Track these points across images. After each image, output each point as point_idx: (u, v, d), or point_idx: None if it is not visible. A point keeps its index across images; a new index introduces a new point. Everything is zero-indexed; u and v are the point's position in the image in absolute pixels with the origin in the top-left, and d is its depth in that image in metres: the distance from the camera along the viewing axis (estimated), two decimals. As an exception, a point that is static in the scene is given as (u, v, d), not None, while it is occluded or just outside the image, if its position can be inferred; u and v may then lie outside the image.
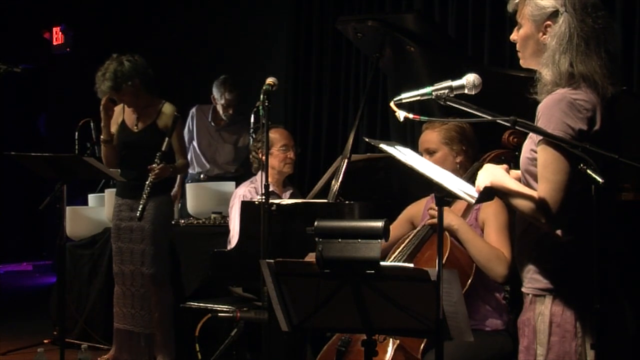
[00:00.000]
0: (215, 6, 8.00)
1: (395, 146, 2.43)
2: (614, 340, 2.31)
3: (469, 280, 3.15)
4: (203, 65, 7.80)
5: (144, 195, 4.63)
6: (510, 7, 2.50)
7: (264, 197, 3.63)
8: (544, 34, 2.38)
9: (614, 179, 2.43)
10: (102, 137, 4.96)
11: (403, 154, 2.40)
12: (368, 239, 2.27)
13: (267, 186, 3.64)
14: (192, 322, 4.44)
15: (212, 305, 4.49)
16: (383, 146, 2.42)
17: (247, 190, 4.54)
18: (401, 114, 2.34)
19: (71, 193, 5.01)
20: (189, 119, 6.40)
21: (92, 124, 6.19)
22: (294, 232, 3.74)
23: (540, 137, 2.28)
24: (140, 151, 4.82)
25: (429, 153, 3.40)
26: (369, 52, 4.43)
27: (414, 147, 3.29)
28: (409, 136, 5.71)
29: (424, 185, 2.66)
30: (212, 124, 6.32)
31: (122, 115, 4.97)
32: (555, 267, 2.36)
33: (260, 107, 3.71)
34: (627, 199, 3.58)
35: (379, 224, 2.29)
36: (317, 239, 2.31)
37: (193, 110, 6.40)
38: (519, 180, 2.41)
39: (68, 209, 5.64)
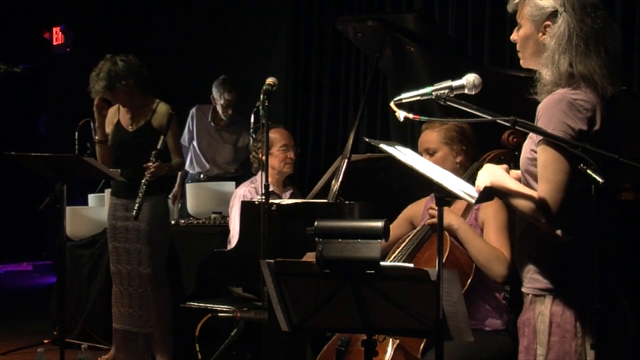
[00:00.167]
0: (215, 6, 8.00)
1: (395, 146, 2.43)
2: (614, 340, 2.31)
3: (469, 280, 3.15)
4: (203, 65, 7.80)
5: (140, 194, 4.64)
6: (510, 8, 2.50)
7: (264, 197, 3.63)
8: (544, 34, 2.38)
9: (614, 179, 2.43)
10: (96, 137, 4.97)
11: (403, 154, 2.40)
12: (368, 239, 2.27)
13: (267, 186, 3.64)
14: (192, 322, 4.44)
15: (212, 305, 4.49)
16: (383, 146, 2.42)
17: (247, 190, 4.54)
18: (401, 114, 2.34)
19: (71, 193, 5.01)
20: (189, 119, 6.40)
21: (92, 124, 6.17)
22: (294, 232, 3.74)
23: (540, 137, 2.28)
24: (135, 151, 4.82)
25: (429, 153, 3.40)
26: (369, 52, 4.43)
27: (414, 147, 3.29)
28: (409, 136, 5.71)
29: (424, 185, 2.66)
30: (212, 124, 6.33)
31: (117, 115, 4.98)
32: (555, 267, 2.36)
33: (260, 107, 3.71)
34: (627, 199, 3.58)
35: (379, 224, 2.29)
36: (317, 239, 2.31)
37: (193, 110, 6.40)
38: (519, 180, 2.41)
39: (68, 209, 5.64)
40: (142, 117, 4.92)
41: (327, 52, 6.66)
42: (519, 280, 2.50)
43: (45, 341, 5.84)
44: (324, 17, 6.66)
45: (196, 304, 4.62)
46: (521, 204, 2.29)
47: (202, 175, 6.34)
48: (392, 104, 2.36)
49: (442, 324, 2.28)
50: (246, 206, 4.01)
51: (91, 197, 6.57)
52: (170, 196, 6.34)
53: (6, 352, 5.61)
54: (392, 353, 3.09)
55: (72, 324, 5.81)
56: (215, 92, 6.14)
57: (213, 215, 5.40)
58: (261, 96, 3.68)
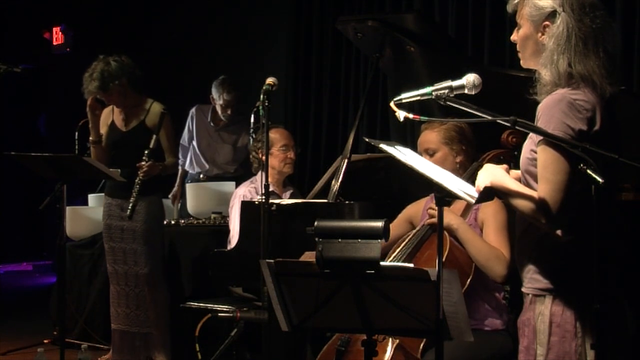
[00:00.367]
0: (215, 6, 8.00)
1: (395, 146, 2.43)
2: (614, 340, 2.31)
3: (468, 280, 3.15)
4: (203, 65, 7.80)
5: (134, 194, 4.65)
6: (509, 8, 2.50)
7: (264, 197, 3.63)
8: (543, 34, 2.39)
9: (614, 179, 2.43)
10: (90, 138, 4.97)
11: (403, 154, 2.40)
12: (368, 239, 2.27)
13: (267, 186, 3.65)
14: (192, 322, 4.44)
15: (212, 305, 4.49)
16: (383, 146, 2.42)
17: (247, 190, 4.54)
18: (401, 114, 2.34)
19: (71, 193, 5.01)
20: (188, 119, 6.40)
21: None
22: (294, 232, 3.74)
23: (540, 138, 2.28)
24: (129, 150, 4.83)
25: (429, 153, 3.40)
26: (369, 52, 4.43)
27: (414, 147, 3.29)
28: (409, 136, 5.71)
29: (424, 185, 2.66)
30: (212, 124, 6.32)
31: (112, 116, 4.99)
32: (555, 267, 2.36)
33: (260, 107, 3.71)
34: (627, 199, 3.57)
35: (379, 224, 2.29)
36: (317, 239, 2.31)
37: (193, 110, 6.40)
38: (519, 180, 2.41)
39: (68, 209, 5.64)
40: (136, 117, 4.93)
41: (327, 52, 6.66)
42: (519, 280, 2.50)
43: (45, 341, 5.84)
44: (324, 17, 6.66)
45: (196, 304, 4.62)
46: (521, 204, 2.29)
47: (201, 175, 6.34)
48: (392, 104, 2.36)
49: (442, 324, 2.28)
50: (246, 206, 4.01)
51: (91, 197, 6.57)
52: (170, 196, 6.35)
53: (6, 352, 5.62)
54: (391, 353, 3.09)
55: (72, 324, 5.81)
56: (214, 93, 6.14)
57: (213, 215, 5.40)
58: (261, 96, 3.68)
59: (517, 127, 2.23)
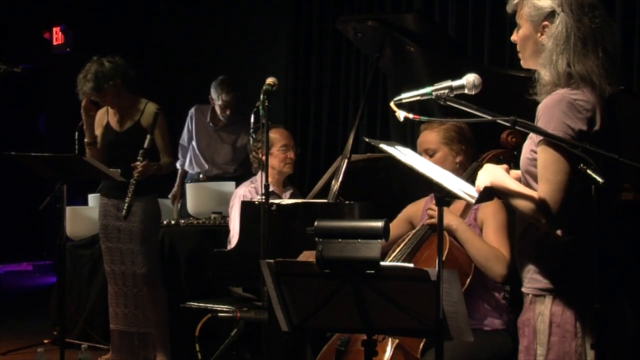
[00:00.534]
0: (215, 6, 8.00)
1: (395, 146, 2.43)
2: (614, 340, 2.30)
3: (468, 280, 3.15)
4: (203, 65, 7.80)
5: (129, 194, 4.65)
6: (509, 8, 2.50)
7: (264, 197, 3.63)
8: (542, 34, 2.39)
9: (614, 179, 2.43)
10: (85, 139, 4.97)
11: (403, 154, 2.40)
12: (368, 239, 2.28)
13: (267, 186, 3.64)
14: (192, 322, 4.44)
15: (212, 305, 4.49)
16: (383, 146, 2.42)
17: (247, 190, 4.54)
18: (401, 114, 2.34)
19: (71, 193, 5.00)
20: (188, 119, 6.39)
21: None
22: (294, 232, 3.74)
23: (540, 138, 2.28)
24: (125, 151, 4.83)
25: (429, 154, 3.40)
26: (369, 52, 4.43)
27: (414, 147, 3.29)
28: (409, 136, 5.71)
29: (424, 185, 2.66)
30: (211, 124, 6.32)
31: (106, 117, 5.00)
32: (555, 267, 2.36)
33: (260, 107, 3.71)
34: (627, 199, 3.57)
35: (379, 224, 2.29)
36: (317, 239, 2.31)
37: (192, 110, 6.40)
38: (519, 180, 2.41)
39: (68, 209, 5.64)
40: (131, 117, 4.93)
41: (327, 52, 6.66)
42: (519, 280, 2.50)
43: (45, 341, 5.84)
44: (324, 17, 6.65)
45: (196, 304, 4.62)
46: (521, 204, 2.29)
47: (201, 176, 6.33)
48: (392, 104, 2.36)
49: (442, 324, 2.28)
50: (246, 206, 4.01)
51: (91, 197, 6.56)
52: (169, 196, 6.35)
53: (6, 352, 5.62)
54: (391, 352, 3.09)
55: (72, 324, 5.81)
56: (213, 93, 6.14)
57: (213, 215, 5.40)
58: (261, 96, 3.68)
59: (517, 127, 2.23)
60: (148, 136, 4.76)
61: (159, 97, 5.07)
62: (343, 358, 3.15)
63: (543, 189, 2.26)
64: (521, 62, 2.50)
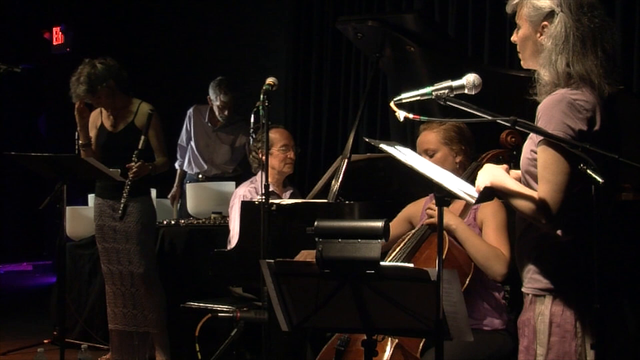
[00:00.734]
0: (215, 6, 8.00)
1: (395, 146, 2.43)
2: (614, 340, 2.30)
3: (468, 279, 3.15)
4: (202, 65, 7.81)
5: (124, 194, 4.65)
6: (509, 9, 2.50)
7: (264, 197, 3.63)
8: (541, 34, 2.39)
9: (614, 179, 2.43)
10: (80, 141, 4.97)
11: (403, 154, 2.40)
12: (368, 239, 2.27)
13: (267, 186, 3.64)
14: (192, 322, 4.44)
15: (212, 305, 4.50)
16: (383, 146, 2.42)
17: (247, 190, 4.54)
18: (401, 114, 2.34)
19: (71, 193, 5.00)
20: (186, 119, 6.40)
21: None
22: (294, 232, 3.74)
23: (541, 138, 2.29)
24: (120, 152, 4.83)
25: (429, 154, 3.40)
26: (369, 52, 4.43)
27: (414, 147, 3.29)
28: (409, 136, 5.71)
29: (424, 185, 2.66)
30: (209, 124, 6.32)
31: (100, 118, 4.99)
32: (555, 267, 2.36)
33: (260, 107, 3.71)
34: (627, 199, 3.57)
35: (379, 224, 2.29)
36: (317, 239, 2.31)
37: (190, 110, 6.40)
38: (519, 180, 2.41)
39: (68, 209, 5.64)
40: (125, 118, 4.94)
41: (327, 52, 6.66)
42: (519, 280, 2.50)
43: (45, 341, 5.83)
44: (324, 17, 6.66)
45: (196, 304, 4.62)
46: (521, 204, 2.29)
47: (200, 176, 6.34)
48: (392, 104, 2.36)
49: (442, 324, 2.28)
50: (246, 206, 4.01)
51: (91, 197, 6.54)
52: (169, 196, 6.35)
53: (6, 352, 5.61)
54: (391, 352, 3.09)
55: (72, 324, 5.80)
56: (211, 93, 6.14)
57: (213, 215, 5.40)
58: (261, 96, 3.68)
59: (517, 127, 2.23)
60: (142, 137, 4.77)
61: (157, 97, 5.07)
62: (343, 358, 3.15)
63: (543, 189, 2.26)
64: (521, 62, 2.50)
